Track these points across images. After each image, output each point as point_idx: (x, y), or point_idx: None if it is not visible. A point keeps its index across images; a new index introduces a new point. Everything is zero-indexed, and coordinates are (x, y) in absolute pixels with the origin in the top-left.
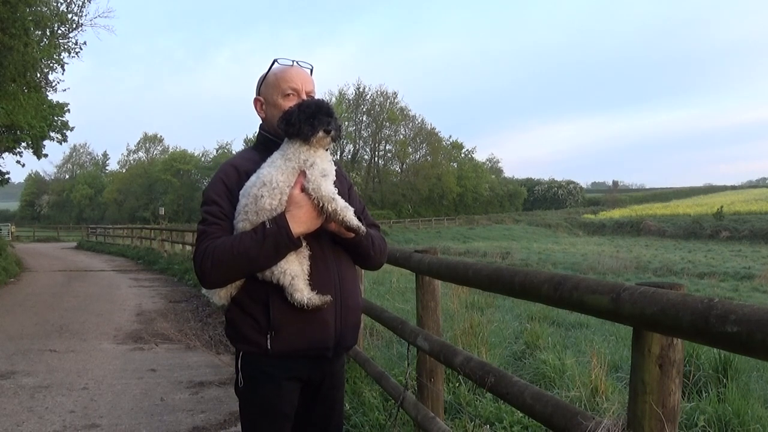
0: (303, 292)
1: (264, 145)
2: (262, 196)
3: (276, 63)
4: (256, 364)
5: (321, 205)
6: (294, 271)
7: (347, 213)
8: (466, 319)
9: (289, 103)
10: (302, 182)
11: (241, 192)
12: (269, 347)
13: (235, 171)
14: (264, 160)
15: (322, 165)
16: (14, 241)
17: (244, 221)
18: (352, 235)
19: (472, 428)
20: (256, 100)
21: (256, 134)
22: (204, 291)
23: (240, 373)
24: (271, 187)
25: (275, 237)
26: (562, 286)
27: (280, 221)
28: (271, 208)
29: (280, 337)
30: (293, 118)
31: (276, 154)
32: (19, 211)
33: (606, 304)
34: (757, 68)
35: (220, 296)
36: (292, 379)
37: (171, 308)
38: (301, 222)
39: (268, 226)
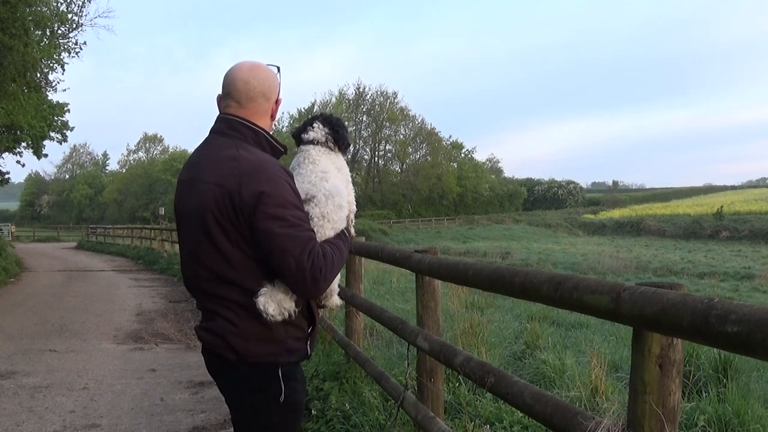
0: (337, 295)
1: (274, 151)
2: (341, 206)
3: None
4: (292, 372)
5: (349, 214)
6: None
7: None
8: (466, 319)
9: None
10: None
11: (315, 198)
12: (309, 351)
13: (287, 173)
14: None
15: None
16: (14, 241)
17: (332, 229)
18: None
19: (472, 428)
20: (278, 101)
21: (262, 136)
22: (271, 310)
23: (283, 386)
24: (345, 199)
25: (350, 245)
26: (562, 286)
27: (350, 231)
28: (345, 218)
29: (313, 339)
30: (346, 133)
31: (327, 165)
32: (19, 211)
33: (606, 304)
34: (757, 68)
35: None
36: None
37: (171, 308)
38: None
39: (349, 234)
